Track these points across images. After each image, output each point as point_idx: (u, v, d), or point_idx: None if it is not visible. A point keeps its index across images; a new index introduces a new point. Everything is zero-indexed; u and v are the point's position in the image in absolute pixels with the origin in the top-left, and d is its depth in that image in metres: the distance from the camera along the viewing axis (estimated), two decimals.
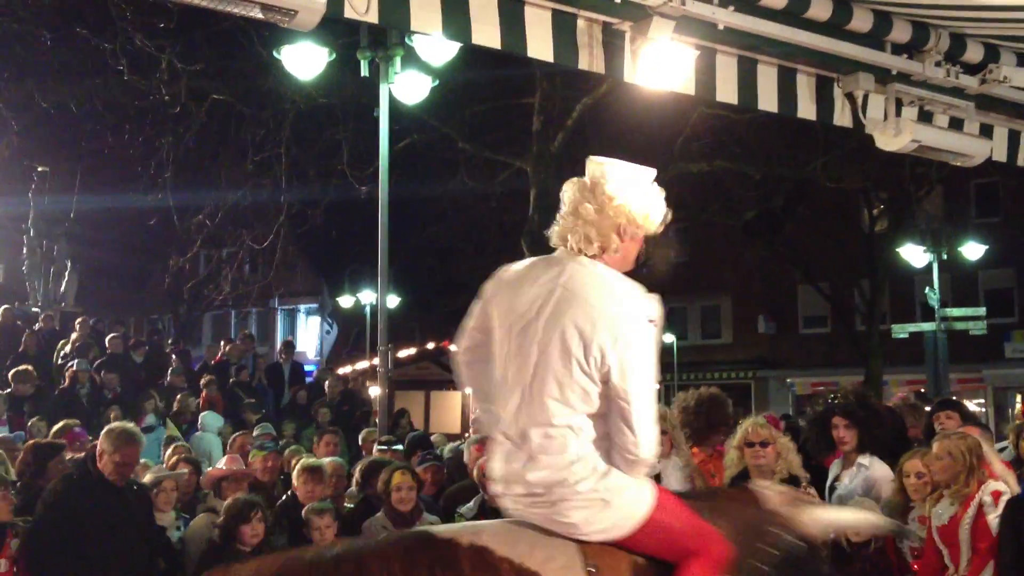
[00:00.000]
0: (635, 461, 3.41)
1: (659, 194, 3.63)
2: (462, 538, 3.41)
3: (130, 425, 6.88)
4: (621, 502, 3.38)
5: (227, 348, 17.41)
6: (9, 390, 12.45)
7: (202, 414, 12.73)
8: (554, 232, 3.63)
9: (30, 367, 12.84)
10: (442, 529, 3.67)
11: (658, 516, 3.43)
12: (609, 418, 3.40)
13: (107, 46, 15.03)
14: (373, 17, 4.56)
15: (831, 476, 6.24)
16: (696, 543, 3.46)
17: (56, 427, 9.47)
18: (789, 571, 3.61)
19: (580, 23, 5.22)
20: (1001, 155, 6.73)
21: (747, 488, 4.04)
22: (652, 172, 3.64)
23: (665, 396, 31.58)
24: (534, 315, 3.43)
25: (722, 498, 3.92)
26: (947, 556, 5.55)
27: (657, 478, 5.50)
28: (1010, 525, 5.34)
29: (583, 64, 5.23)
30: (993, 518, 5.43)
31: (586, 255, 3.51)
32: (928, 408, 8.32)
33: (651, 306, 3.47)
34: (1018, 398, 11.52)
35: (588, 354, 3.33)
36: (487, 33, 4.90)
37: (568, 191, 3.61)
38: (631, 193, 3.54)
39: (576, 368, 3.34)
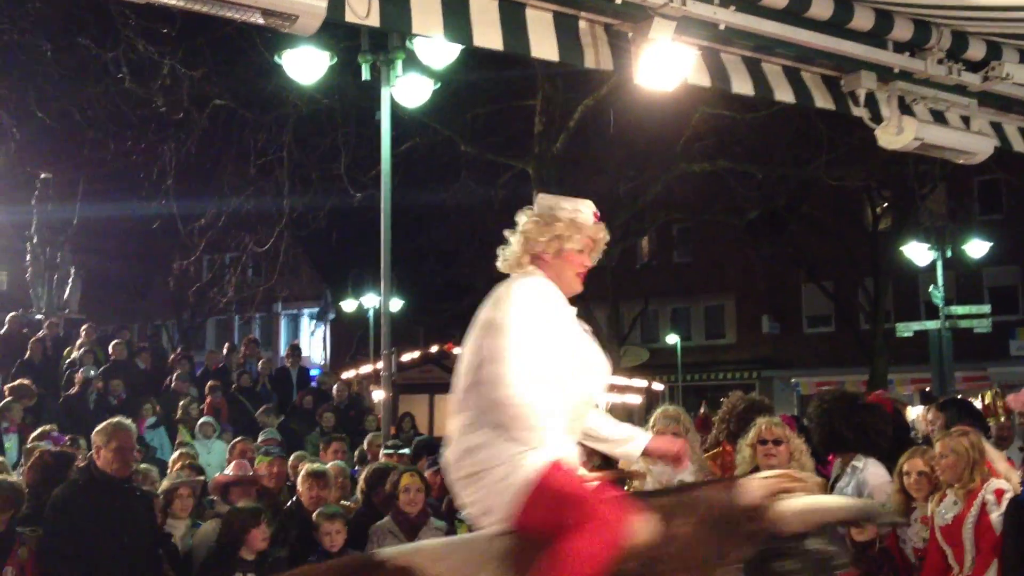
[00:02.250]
0: (515, 416, 3.44)
1: (588, 219, 3.93)
2: (397, 559, 3.58)
3: (118, 418, 6.88)
4: (504, 471, 3.44)
5: (226, 354, 17.45)
6: (8, 399, 12.44)
7: (200, 420, 12.74)
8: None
9: (27, 380, 12.79)
10: (386, 551, 3.91)
11: (536, 490, 3.40)
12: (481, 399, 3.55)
13: (109, 53, 15.05)
14: (374, 21, 4.57)
15: (832, 476, 6.22)
16: (576, 515, 3.34)
17: (34, 433, 9.49)
18: (757, 570, 3.53)
19: (582, 24, 5.21)
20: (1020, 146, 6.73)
21: (731, 480, 4.01)
22: (588, 203, 3.98)
23: (670, 398, 31.63)
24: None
25: (699, 490, 3.82)
26: (951, 556, 5.52)
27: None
28: (1014, 524, 5.32)
29: (589, 62, 5.24)
30: (996, 516, 5.40)
31: (515, 271, 3.86)
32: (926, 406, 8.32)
33: (534, 300, 3.65)
34: (988, 394, 11.57)
35: (472, 356, 3.62)
36: (488, 35, 4.90)
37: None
38: (548, 216, 3.87)
39: (468, 376, 3.62)
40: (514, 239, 3.91)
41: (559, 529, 3.32)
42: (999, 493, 5.45)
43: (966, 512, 5.47)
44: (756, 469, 5.53)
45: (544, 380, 3.55)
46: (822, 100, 6.01)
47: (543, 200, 4.01)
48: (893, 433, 6.57)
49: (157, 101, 16.01)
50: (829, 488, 6.06)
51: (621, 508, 3.42)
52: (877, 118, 6.01)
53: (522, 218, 3.94)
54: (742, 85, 5.70)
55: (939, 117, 6.28)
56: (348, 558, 3.97)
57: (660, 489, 4.35)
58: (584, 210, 3.95)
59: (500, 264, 3.93)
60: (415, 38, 10.76)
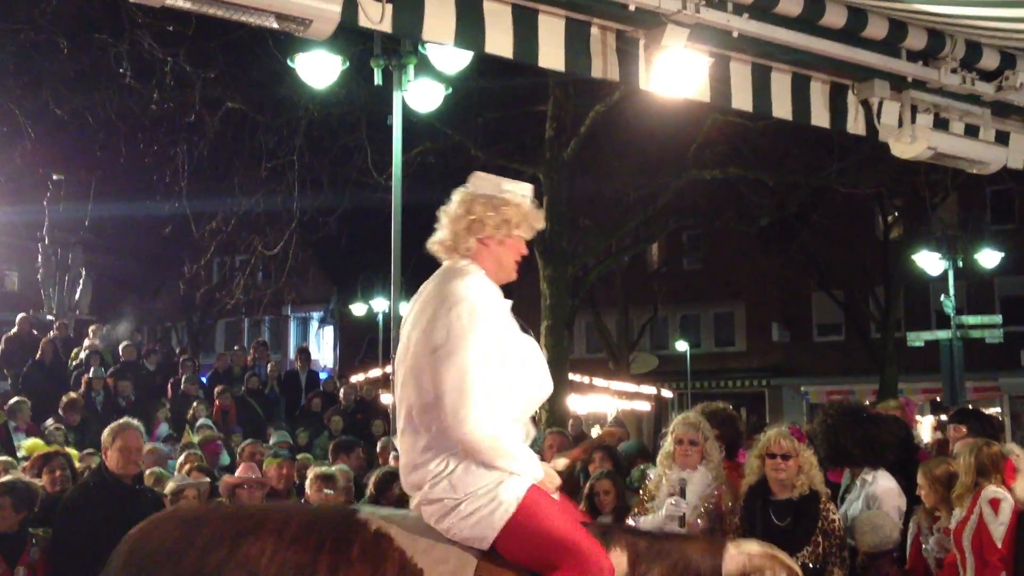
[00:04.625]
0: (482, 451, 3.34)
1: (533, 205, 3.73)
2: (374, 523, 3.53)
3: (126, 418, 6.89)
4: (476, 505, 3.36)
5: (233, 356, 17.48)
6: (17, 399, 12.46)
7: (199, 421, 12.75)
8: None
9: (78, 396, 12.79)
10: (370, 510, 3.83)
11: (521, 520, 3.35)
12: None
13: (123, 55, 15.10)
14: (387, 27, 4.58)
15: (843, 487, 6.20)
16: (561, 557, 3.32)
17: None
18: None
19: (594, 31, 5.21)
20: (1017, 163, 6.69)
21: (718, 543, 3.90)
22: (529, 187, 3.76)
23: (679, 405, 31.55)
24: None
25: (681, 544, 3.73)
26: (959, 562, 5.51)
27: (683, 491, 5.50)
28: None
29: (596, 72, 5.24)
30: (996, 527, 5.33)
31: (451, 256, 3.66)
32: (944, 417, 8.29)
33: (475, 291, 3.48)
34: None
35: (409, 349, 3.53)
36: (500, 42, 4.91)
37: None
38: (497, 199, 3.66)
39: (417, 390, 3.51)
40: (451, 218, 3.65)
41: (541, 566, 3.31)
42: (995, 502, 5.39)
43: (966, 520, 5.44)
44: (764, 479, 5.50)
45: (501, 396, 3.41)
46: (819, 118, 5.97)
47: (484, 180, 3.76)
48: (900, 443, 6.55)
49: (169, 103, 16.07)
50: (839, 499, 6.04)
51: (598, 547, 3.37)
52: (872, 134, 5.99)
53: (458, 196, 3.69)
54: (742, 100, 5.67)
55: (952, 126, 6.26)
56: (331, 507, 3.90)
57: (643, 530, 4.23)
58: (529, 195, 3.75)
59: (434, 246, 3.69)
60: (427, 43, 10.78)
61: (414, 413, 3.50)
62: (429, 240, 3.71)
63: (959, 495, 5.47)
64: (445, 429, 3.37)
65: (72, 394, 12.83)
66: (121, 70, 15.31)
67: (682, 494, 5.54)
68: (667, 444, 5.79)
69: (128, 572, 3.67)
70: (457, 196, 3.68)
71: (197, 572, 3.48)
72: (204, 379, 16.31)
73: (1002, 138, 6.56)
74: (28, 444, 10.09)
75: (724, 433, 6.06)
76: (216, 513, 3.92)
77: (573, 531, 3.39)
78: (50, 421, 12.09)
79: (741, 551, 3.66)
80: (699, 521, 5.53)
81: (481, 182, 3.74)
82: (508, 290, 3.79)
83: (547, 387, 3.68)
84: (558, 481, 3.61)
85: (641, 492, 5.99)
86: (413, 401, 3.50)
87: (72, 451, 9.10)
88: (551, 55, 5.09)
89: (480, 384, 3.33)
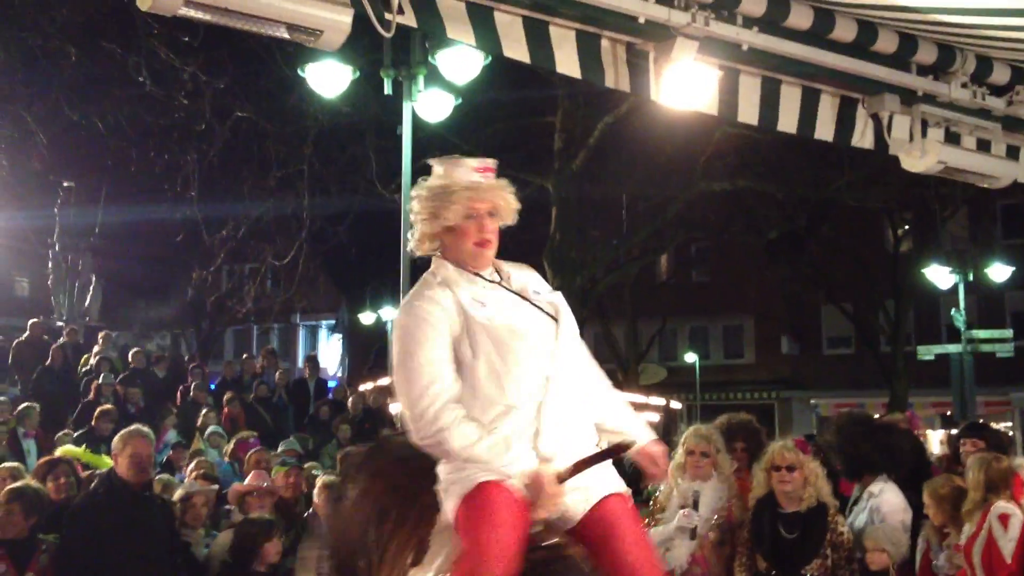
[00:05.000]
0: (419, 437, 3.34)
1: (464, 177, 3.47)
2: None
3: (136, 425, 6.91)
4: (451, 491, 3.37)
5: (242, 363, 17.51)
6: (27, 405, 12.48)
7: (208, 429, 12.76)
8: None
9: (112, 407, 12.77)
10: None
11: (464, 506, 3.31)
12: None
13: (134, 61, 15.18)
14: (411, 21, 4.59)
15: (852, 499, 6.18)
16: (468, 549, 3.25)
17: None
18: None
19: (604, 43, 5.22)
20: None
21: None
22: (469, 160, 3.52)
23: (688, 417, 31.49)
24: None
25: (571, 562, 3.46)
26: None
27: (696, 503, 5.48)
28: None
29: (609, 82, 5.25)
30: (1006, 543, 5.30)
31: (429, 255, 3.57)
32: (955, 431, 8.26)
33: (422, 301, 3.40)
34: None
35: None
36: (517, 49, 4.93)
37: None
38: (423, 193, 3.51)
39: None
40: (413, 219, 3.57)
41: (464, 540, 3.28)
42: (1004, 518, 5.36)
43: (975, 536, 5.42)
44: (772, 492, 5.49)
45: (470, 395, 3.32)
46: (823, 132, 5.96)
47: (432, 170, 3.57)
48: (914, 454, 6.55)
49: (180, 112, 16.15)
50: (848, 511, 6.01)
51: (505, 561, 3.21)
52: (882, 148, 5.98)
53: (414, 192, 3.58)
54: (748, 114, 5.67)
55: (963, 141, 6.25)
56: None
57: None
58: (462, 169, 3.49)
59: (414, 251, 3.60)
60: (438, 53, 10.81)
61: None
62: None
63: (968, 511, 5.45)
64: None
65: (106, 405, 12.77)
66: (132, 77, 15.39)
67: (695, 506, 5.53)
68: (678, 456, 5.78)
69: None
70: (414, 190, 3.59)
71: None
72: (212, 386, 16.35)
73: (1013, 152, 6.55)
74: (63, 451, 10.12)
75: (748, 446, 6.05)
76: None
77: (493, 528, 3.24)
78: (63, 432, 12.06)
79: None
80: (711, 534, 5.52)
81: (434, 170, 3.56)
82: None
83: (542, 353, 3.41)
84: (542, 482, 3.28)
85: (651, 504, 5.98)
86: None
87: (106, 459, 9.00)
88: (567, 62, 5.11)
89: (416, 398, 3.32)
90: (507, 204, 3.54)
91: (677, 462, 5.74)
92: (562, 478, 3.32)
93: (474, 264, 3.50)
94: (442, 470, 3.41)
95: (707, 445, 5.69)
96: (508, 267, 3.64)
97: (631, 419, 3.76)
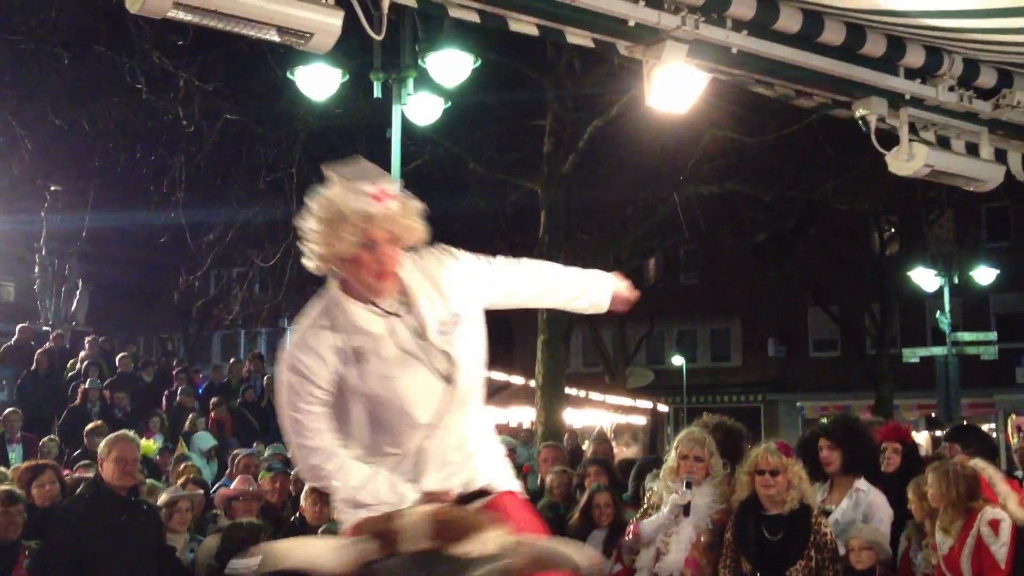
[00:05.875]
0: (308, 482, 3.48)
1: (356, 202, 3.11)
2: None
3: (122, 430, 6.88)
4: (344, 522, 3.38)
5: (229, 368, 17.47)
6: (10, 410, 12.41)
7: (195, 435, 12.73)
8: None
9: (102, 422, 12.72)
10: None
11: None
12: None
13: (124, 63, 15.13)
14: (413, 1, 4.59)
15: (820, 498, 6.18)
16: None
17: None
18: None
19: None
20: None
21: None
22: (363, 180, 3.15)
23: (675, 420, 31.53)
24: None
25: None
26: None
27: (687, 508, 5.50)
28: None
29: (623, 50, 5.29)
30: (999, 548, 5.32)
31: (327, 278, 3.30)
32: (939, 433, 8.31)
33: (295, 348, 3.21)
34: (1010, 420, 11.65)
35: None
36: (524, 24, 4.95)
37: None
38: (313, 220, 3.17)
39: None
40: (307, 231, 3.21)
41: None
42: (994, 523, 5.38)
43: (962, 543, 5.42)
44: (755, 494, 5.50)
45: (347, 430, 3.25)
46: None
47: (319, 190, 3.21)
48: (905, 457, 6.59)
49: (168, 115, 16.09)
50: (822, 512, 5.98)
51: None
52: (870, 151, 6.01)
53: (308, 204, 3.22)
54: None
55: (949, 144, 6.29)
56: None
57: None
58: (353, 194, 3.12)
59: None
60: (427, 56, 10.80)
61: None
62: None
63: (949, 523, 5.43)
64: None
65: (97, 422, 12.70)
66: (120, 80, 15.32)
67: (687, 487, 5.55)
68: (671, 459, 5.78)
69: None
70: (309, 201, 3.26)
71: None
72: (199, 391, 16.30)
73: (999, 155, 6.59)
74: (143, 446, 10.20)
75: (726, 448, 6.06)
76: None
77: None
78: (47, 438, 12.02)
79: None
80: (703, 538, 5.53)
81: (327, 184, 3.20)
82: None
83: (414, 407, 3.23)
84: (401, 525, 3.13)
85: (644, 503, 5.98)
86: None
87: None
88: (577, 36, 5.13)
89: (300, 453, 3.27)
90: (409, 230, 3.21)
91: (670, 466, 5.75)
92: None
93: (373, 293, 3.19)
94: (337, 501, 3.40)
95: (701, 449, 5.70)
96: (411, 270, 3.30)
97: (587, 283, 3.84)
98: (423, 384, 3.23)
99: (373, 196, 3.11)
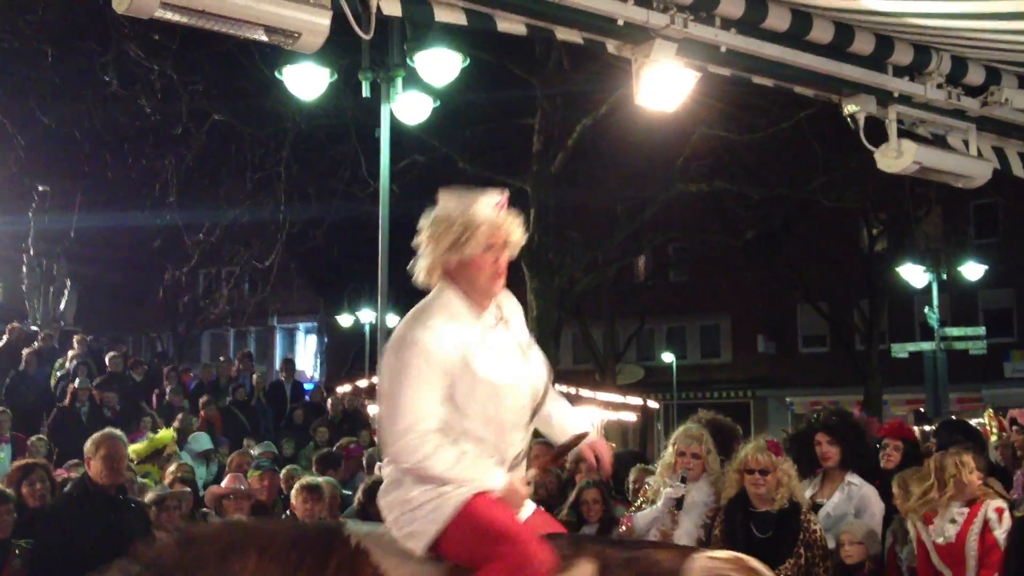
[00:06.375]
0: (422, 476, 3.51)
1: (486, 212, 3.61)
2: (355, 539, 3.66)
3: (109, 428, 6.86)
4: (421, 511, 3.51)
5: (218, 367, 17.42)
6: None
7: (191, 435, 12.67)
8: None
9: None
10: (356, 526, 3.92)
11: (460, 521, 3.48)
12: None
13: (108, 65, 15.08)
14: (396, 11, 4.58)
15: (810, 493, 6.20)
16: (495, 548, 3.41)
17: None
18: None
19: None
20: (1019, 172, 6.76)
21: (686, 551, 3.90)
22: (491, 194, 3.66)
23: (665, 416, 31.57)
24: None
25: (652, 552, 3.73)
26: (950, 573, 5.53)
27: (680, 501, 5.51)
28: (1017, 543, 5.34)
29: (612, 48, 5.29)
30: (999, 534, 5.43)
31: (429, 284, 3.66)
32: (928, 428, 8.35)
33: (425, 333, 3.52)
34: (986, 414, 11.81)
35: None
36: (512, 23, 4.94)
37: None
38: (443, 222, 3.60)
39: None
40: (421, 245, 3.64)
41: (482, 561, 3.39)
42: (999, 511, 5.49)
43: (967, 529, 5.48)
44: (743, 492, 5.49)
45: (449, 419, 3.51)
46: None
47: (442, 201, 3.68)
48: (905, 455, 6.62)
49: (156, 115, 16.04)
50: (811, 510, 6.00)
51: (536, 539, 3.44)
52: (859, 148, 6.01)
53: (424, 221, 3.65)
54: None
55: (938, 141, 6.30)
56: (320, 523, 4.06)
57: (618, 540, 4.27)
58: (482, 203, 3.62)
59: (417, 276, 3.67)
60: (416, 55, 10.78)
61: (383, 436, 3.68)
62: (413, 270, 3.70)
63: (952, 496, 5.52)
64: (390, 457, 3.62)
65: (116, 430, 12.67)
66: (107, 78, 15.27)
67: (683, 481, 5.55)
68: (668, 455, 5.77)
69: None
70: (423, 220, 3.67)
71: None
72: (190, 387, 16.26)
73: (997, 153, 6.61)
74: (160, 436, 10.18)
75: (718, 446, 6.06)
76: (207, 531, 4.04)
77: (510, 524, 3.48)
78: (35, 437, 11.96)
79: (709, 556, 3.65)
80: (701, 534, 5.52)
81: (445, 202, 3.67)
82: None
83: (524, 402, 3.69)
84: (524, 491, 3.67)
85: (640, 496, 5.97)
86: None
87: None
88: (566, 33, 5.13)
89: (400, 432, 3.48)
90: (519, 238, 3.67)
91: (667, 462, 5.74)
92: (530, 479, 3.72)
93: (484, 296, 3.63)
94: (407, 499, 3.55)
95: (698, 446, 5.69)
96: (502, 299, 3.76)
97: (575, 416, 4.05)
98: (524, 391, 3.67)
99: (497, 205, 3.61)
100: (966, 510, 5.54)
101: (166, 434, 10.29)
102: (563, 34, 5.16)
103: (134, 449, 9.77)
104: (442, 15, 4.76)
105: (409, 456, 3.49)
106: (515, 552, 3.37)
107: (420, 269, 3.64)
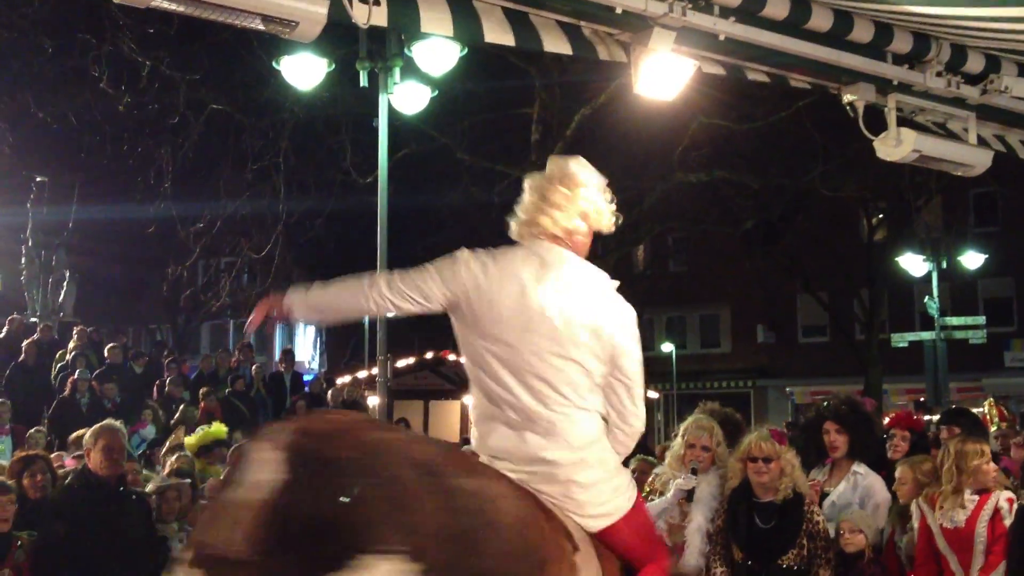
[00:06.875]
0: (631, 433, 3.59)
1: (610, 200, 3.73)
2: (486, 471, 3.31)
3: (108, 420, 6.86)
4: (618, 491, 3.49)
5: (218, 358, 17.41)
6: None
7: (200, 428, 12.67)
8: (518, 221, 3.65)
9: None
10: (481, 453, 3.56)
11: (634, 514, 3.54)
12: (609, 398, 3.55)
13: (106, 56, 15.04)
14: (382, 20, 4.55)
15: (822, 481, 6.20)
16: (654, 550, 3.59)
17: None
18: None
19: (585, 32, 5.23)
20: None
21: None
22: (604, 180, 3.75)
23: (664, 406, 31.57)
24: (539, 307, 3.46)
25: None
26: (955, 562, 5.52)
27: (690, 494, 5.50)
28: (1020, 532, 5.36)
29: (603, 55, 5.28)
30: (1009, 519, 5.47)
31: (551, 239, 3.57)
32: (933, 417, 8.34)
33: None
34: (986, 403, 11.83)
35: (600, 340, 3.48)
36: (499, 35, 4.90)
37: (535, 180, 3.69)
38: (595, 187, 3.68)
39: (589, 355, 3.46)
40: (562, 196, 3.58)
41: (643, 555, 3.51)
42: (1010, 500, 5.54)
43: (976, 515, 5.49)
44: (747, 481, 5.48)
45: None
46: None
47: (568, 168, 3.65)
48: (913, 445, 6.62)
49: (154, 105, 16.01)
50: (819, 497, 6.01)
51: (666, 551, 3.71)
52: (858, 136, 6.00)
53: (582, 176, 3.65)
54: (758, 73, 5.72)
55: (937, 129, 6.29)
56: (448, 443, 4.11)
57: None
58: (597, 176, 3.73)
59: (531, 228, 3.59)
60: (414, 45, 10.76)
61: (581, 390, 3.47)
62: (534, 219, 3.60)
63: (968, 483, 5.55)
64: (624, 417, 3.58)
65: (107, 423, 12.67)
66: (96, 72, 15.22)
67: (689, 497, 5.52)
68: (677, 446, 5.74)
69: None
70: (564, 178, 3.61)
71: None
72: (190, 377, 16.26)
73: (986, 141, 6.60)
74: (213, 429, 10.17)
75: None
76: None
77: (655, 529, 3.77)
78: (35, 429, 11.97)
79: None
80: (709, 526, 5.51)
81: (564, 168, 3.67)
82: None
83: None
84: None
85: (647, 487, 5.95)
86: (579, 380, 3.47)
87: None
88: (555, 43, 5.10)
89: (642, 412, 3.66)
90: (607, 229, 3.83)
91: (676, 453, 5.71)
92: None
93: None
94: (603, 468, 3.47)
95: (708, 438, 5.65)
96: None
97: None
98: None
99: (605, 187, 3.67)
100: (976, 497, 5.55)
101: (219, 428, 10.22)
102: (551, 45, 5.11)
103: (187, 443, 9.82)
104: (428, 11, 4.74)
105: (638, 433, 3.63)
106: (665, 557, 3.60)
107: (542, 218, 3.58)
